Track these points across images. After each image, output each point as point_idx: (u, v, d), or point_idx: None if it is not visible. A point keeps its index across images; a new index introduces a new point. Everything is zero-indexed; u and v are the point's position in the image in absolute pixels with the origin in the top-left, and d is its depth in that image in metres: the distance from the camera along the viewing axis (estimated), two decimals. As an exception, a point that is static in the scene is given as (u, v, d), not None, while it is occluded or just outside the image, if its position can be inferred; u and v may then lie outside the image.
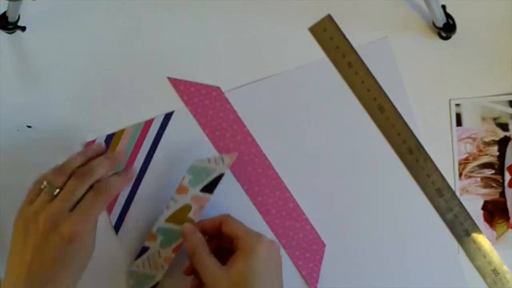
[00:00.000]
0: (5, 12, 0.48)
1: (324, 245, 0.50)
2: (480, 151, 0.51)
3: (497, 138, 0.51)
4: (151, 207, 0.49)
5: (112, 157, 0.46)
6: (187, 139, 0.50)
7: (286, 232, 0.50)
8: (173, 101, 0.50)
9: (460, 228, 0.50)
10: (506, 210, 0.51)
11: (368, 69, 0.51)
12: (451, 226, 0.50)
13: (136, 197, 0.49)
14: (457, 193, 0.51)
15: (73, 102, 0.50)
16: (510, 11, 0.51)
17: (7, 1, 0.45)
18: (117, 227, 0.49)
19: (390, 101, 0.50)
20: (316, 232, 0.50)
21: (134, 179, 0.49)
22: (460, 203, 0.50)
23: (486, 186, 0.51)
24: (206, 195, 0.47)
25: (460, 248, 0.50)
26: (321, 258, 0.50)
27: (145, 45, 0.51)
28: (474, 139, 0.51)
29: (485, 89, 0.51)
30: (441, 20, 0.49)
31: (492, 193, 0.51)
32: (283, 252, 0.50)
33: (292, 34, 0.51)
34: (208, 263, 0.42)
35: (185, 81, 0.51)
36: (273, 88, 0.51)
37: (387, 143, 0.51)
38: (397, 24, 0.51)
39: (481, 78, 0.51)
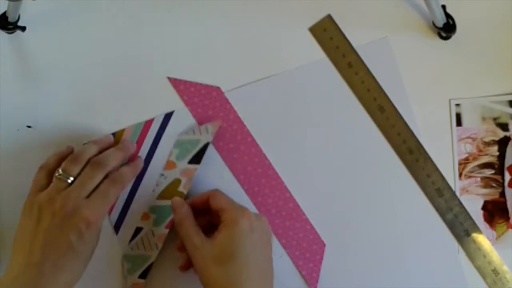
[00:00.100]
0: (5, 12, 0.48)
1: (324, 245, 0.50)
2: (480, 151, 0.51)
3: (497, 138, 0.51)
4: (151, 207, 0.49)
5: (123, 149, 0.48)
6: (187, 139, 0.50)
7: (286, 232, 0.50)
8: (173, 101, 0.50)
9: (460, 228, 0.50)
10: (506, 210, 0.51)
11: (368, 69, 0.50)
12: (451, 226, 0.50)
13: (136, 197, 0.49)
14: (457, 193, 0.50)
15: (73, 102, 0.50)
16: (510, 11, 0.51)
17: (7, 1, 0.45)
18: (117, 227, 0.49)
19: (390, 101, 0.50)
20: (316, 232, 0.50)
21: (142, 167, 0.49)
22: (460, 203, 0.50)
23: (486, 186, 0.51)
24: (194, 166, 0.48)
25: (460, 248, 0.50)
26: (321, 258, 0.50)
27: (145, 45, 0.51)
28: (474, 139, 0.51)
29: (485, 89, 0.51)
30: (441, 20, 0.49)
31: (492, 193, 0.51)
32: (283, 252, 0.50)
33: (292, 34, 0.51)
34: (192, 234, 0.43)
35: (185, 81, 0.51)
36: (273, 88, 0.51)
37: (387, 143, 0.51)
38: (397, 24, 0.51)
39: (481, 78, 0.51)
